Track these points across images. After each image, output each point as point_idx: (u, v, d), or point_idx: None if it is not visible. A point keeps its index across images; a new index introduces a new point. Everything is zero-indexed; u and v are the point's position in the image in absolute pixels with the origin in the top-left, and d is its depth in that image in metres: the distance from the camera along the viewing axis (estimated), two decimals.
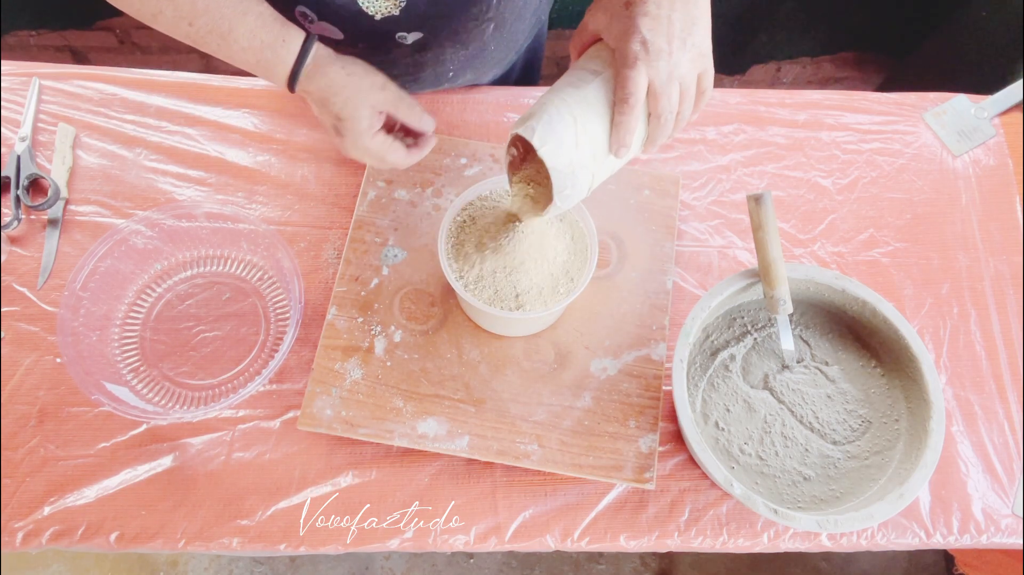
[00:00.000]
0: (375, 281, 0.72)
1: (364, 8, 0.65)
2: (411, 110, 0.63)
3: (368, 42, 0.71)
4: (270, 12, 0.57)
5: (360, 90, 0.59)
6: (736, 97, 0.85)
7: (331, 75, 0.58)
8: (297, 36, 0.58)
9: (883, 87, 1.56)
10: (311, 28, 0.68)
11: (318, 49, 0.59)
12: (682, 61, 0.48)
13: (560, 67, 1.67)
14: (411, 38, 0.71)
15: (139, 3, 0.55)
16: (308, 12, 0.66)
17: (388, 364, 0.68)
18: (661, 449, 0.68)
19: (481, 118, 0.83)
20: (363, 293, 0.71)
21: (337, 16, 0.67)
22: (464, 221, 0.64)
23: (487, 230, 0.62)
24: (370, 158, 0.63)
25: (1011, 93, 0.85)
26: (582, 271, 0.63)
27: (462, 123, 0.82)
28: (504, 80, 0.89)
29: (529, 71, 0.97)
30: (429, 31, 0.71)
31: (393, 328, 0.70)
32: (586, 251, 0.64)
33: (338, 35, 0.69)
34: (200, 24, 0.55)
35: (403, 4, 0.65)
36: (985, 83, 0.93)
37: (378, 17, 0.66)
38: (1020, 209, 0.81)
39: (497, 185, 0.65)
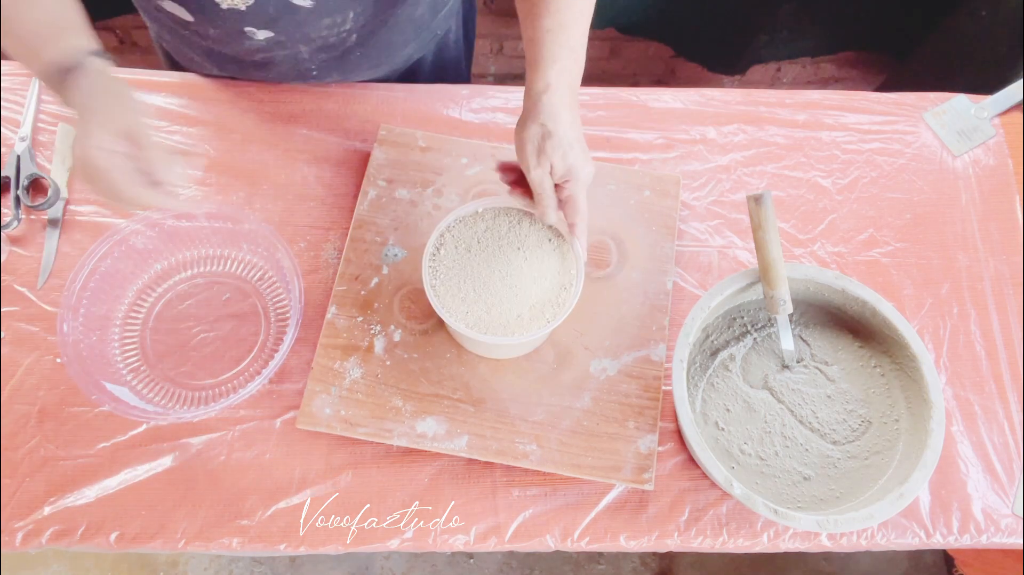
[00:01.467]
0: (375, 280, 0.72)
1: None
2: (151, 144, 0.52)
3: (217, 29, 0.70)
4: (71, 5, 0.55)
5: (100, 104, 0.52)
6: (736, 97, 0.85)
7: (88, 87, 0.53)
8: (87, 44, 0.54)
9: (883, 87, 1.56)
10: (161, 4, 0.67)
11: (100, 63, 0.54)
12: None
13: None
14: (261, 35, 0.71)
15: None
16: None
17: (387, 363, 0.68)
18: (661, 449, 0.68)
19: (481, 118, 0.83)
20: (363, 292, 0.71)
21: (185, 0, 0.66)
22: (445, 243, 0.63)
23: (470, 250, 0.62)
24: (103, 178, 0.52)
25: (1011, 93, 0.85)
26: (568, 294, 0.61)
27: (462, 123, 0.82)
28: (411, 77, 0.88)
29: (438, 74, 0.94)
30: (280, 32, 0.71)
31: (393, 327, 0.70)
32: (572, 273, 0.63)
33: (188, 17, 0.68)
34: None
35: (249, 2, 0.65)
36: (985, 83, 0.93)
37: (224, 6, 0.65)
38: (1020, 209, 0.81)
39: (481, 205, 0.64)
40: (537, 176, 0.58)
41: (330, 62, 0.78)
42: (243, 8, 0.65)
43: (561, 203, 0.60)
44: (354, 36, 0.75)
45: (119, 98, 0.53)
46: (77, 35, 0.55)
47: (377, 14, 0.74)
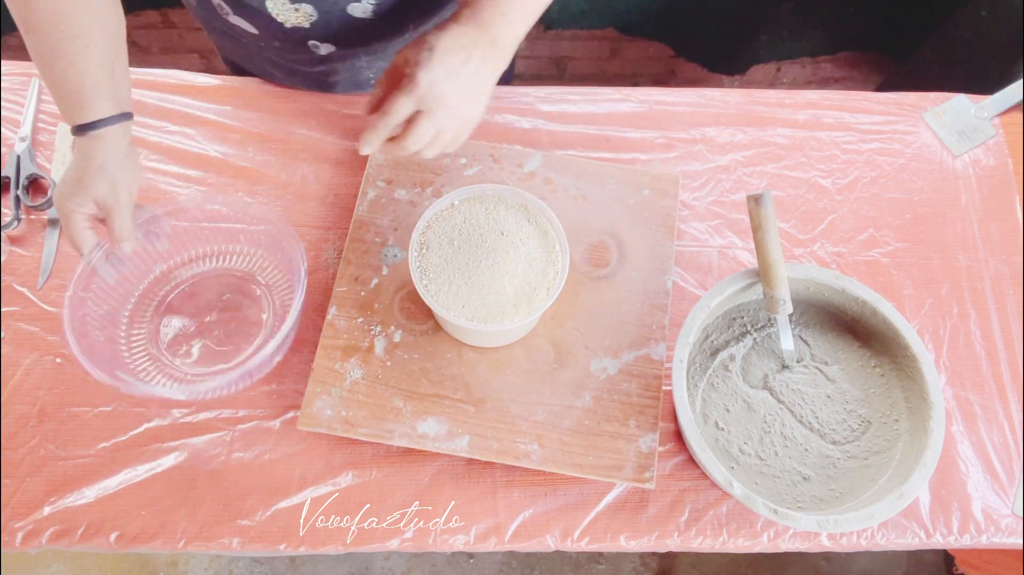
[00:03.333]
0: (375, 281, 0.72)
1: (273, 16, 0.65)
2: (118, 218, 0.60)
3: (281, 42, 0.72)
4: (101, 72, 0.58)
5: (88, 173, 0.58)
6: (736, 97, 0.85)
7: (88, 151, 0.58)
8: (97, 113, 0.58)
9: (883, 87, 1.56)
10: (228, 19, 0.70)
11: (105, 131, 0.58)
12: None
13: (559, 67, 1.67)
14: (324, 49, 0.73)
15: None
16: (224, 5, 0.67)
17: (388, 364, 0.68)
18: (661, 449, 0.68)
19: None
20: (363, 293, 0.71)
21: (250, 15, 0.68)
22: (428, 241, 0.63)
23: (453, 243, 0.63)
24: (65, 226, 0.61)
25: (1011, 93, 0.85)
26: (557, 270, 0.62)
27: None
28: None
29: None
30: (342, 45, 0.73)
31: (393, 328, 0.70)
32: (557, 250, 0.63)
33: (252, 30, 0.71)
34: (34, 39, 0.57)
35: (313, 19, 0.66)
36: (985, 83, 0.93)
37: (288, 25, 0.68)
38: (1020, 209, 0.81)
39: (456, 197, 0.65)
40: (381, 90, 0.56)
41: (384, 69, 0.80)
42: (307, 25, 0.68)
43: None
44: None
45: (116, 169, 0.59)
46: (103, 102, 0.58)
47: (434, 21, 0.74)
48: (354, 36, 0.72)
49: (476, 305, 0.60)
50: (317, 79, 0.81)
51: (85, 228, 0.60)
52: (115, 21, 0.59)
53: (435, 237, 0.63)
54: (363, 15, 0.69)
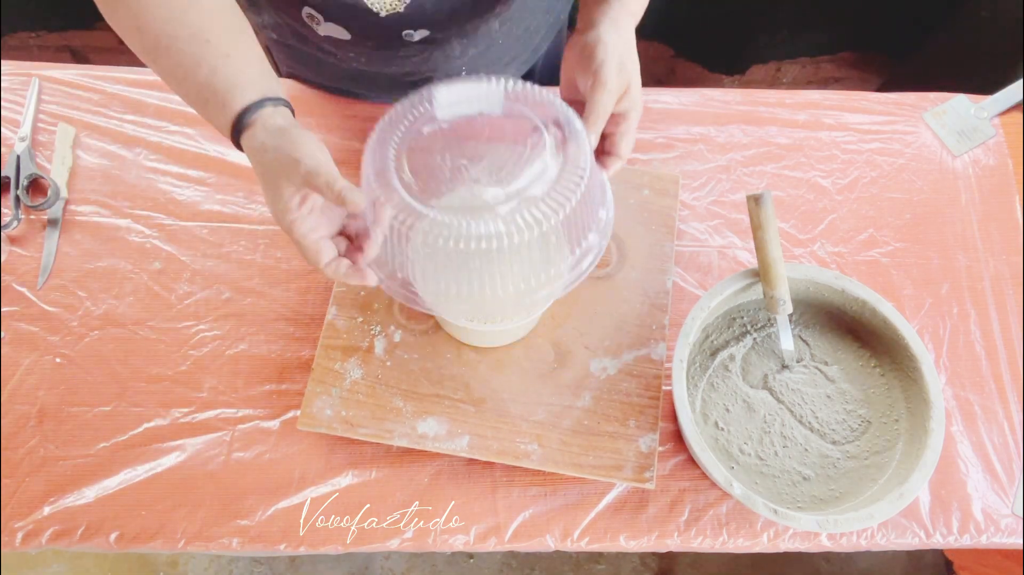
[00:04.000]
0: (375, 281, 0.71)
1: (369, 6, 0.64)
2: (328, 186, 0.48)
3: (375, 40, 0.70)
4: (232, 65, 0.51)
5: (280, 164, 0.49)
6: (736, 97, 0.85)
7: (260, 139, 0.50)
8: (250, 96, 0.51)
9: (883, 87, 1.56)
10: (319, 30, 0.68)
11: (264, 113, 0.50)
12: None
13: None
14: (417, 35, 0.71)
15: (118, 18, 0.51)
16: (315, 14, 0.66)
17: (388, 364, 0.68)
18: (661, 449, 0.68)
19: None
20: (362, 293, 0.71)
21: (343, 15, 0.67)
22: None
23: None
24: (296, 246, 0.51)
25: (1011, 93, 0.85)
26: (558, 276, 0.62)
27: None
28: (529, 77, 0.88)
29: (552, 73, 0.96)
30: (436, 28, 0.71)
31: (393, 328, 0.70)
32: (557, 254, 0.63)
33: (345, 35, 0.69)
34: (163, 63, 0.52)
35: (408, 1, 0.65)
36: (985, 83, 0.93)
37: (383, 14, 0.66)
38: (1020, 209, 0.81)
39: None
40: (583, 84, 0.56)
41: (476, 57, 0.77)
42: (402, 10, 0.65)
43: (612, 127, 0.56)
44: (497, 21, 0.73)
45: (291, 147, 0.49)
46: (242, 92, 0.50)
47: None
48: (447, 17, 0.69)
49: (476, 305, 0.60)
50: (402, 82, 0.78)
51: (323, 245, 0.50)
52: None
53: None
54: None
